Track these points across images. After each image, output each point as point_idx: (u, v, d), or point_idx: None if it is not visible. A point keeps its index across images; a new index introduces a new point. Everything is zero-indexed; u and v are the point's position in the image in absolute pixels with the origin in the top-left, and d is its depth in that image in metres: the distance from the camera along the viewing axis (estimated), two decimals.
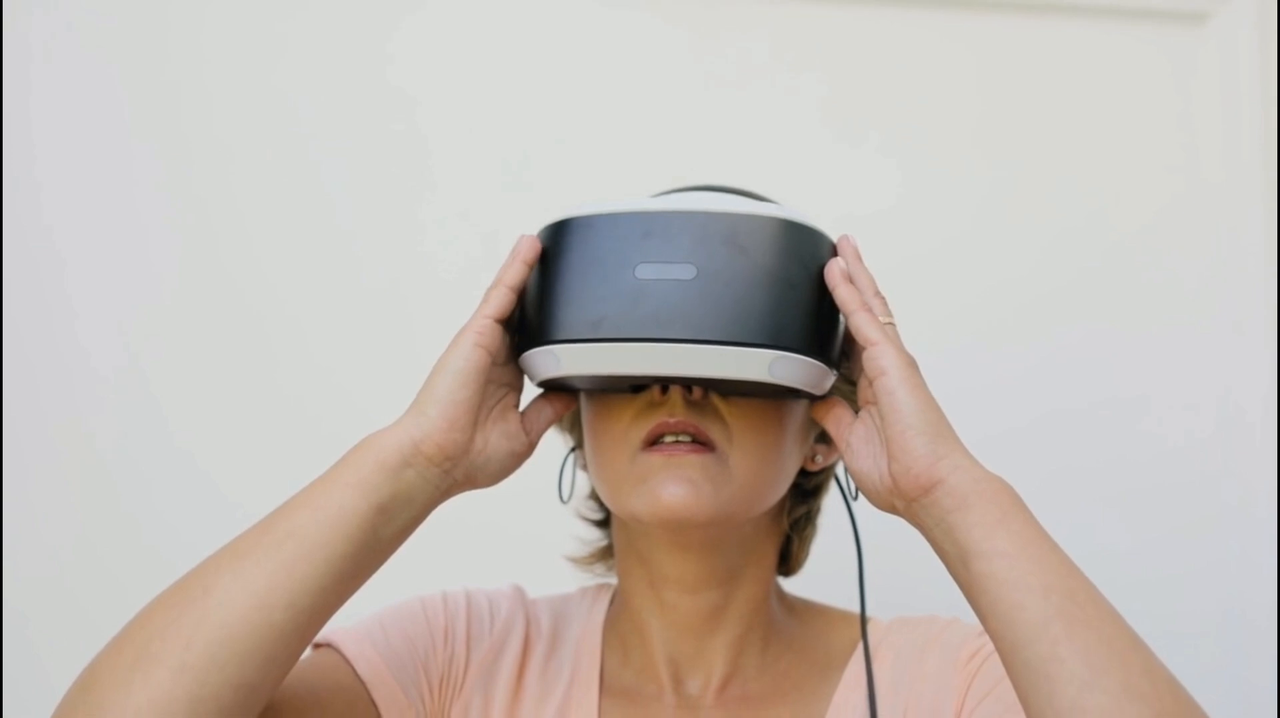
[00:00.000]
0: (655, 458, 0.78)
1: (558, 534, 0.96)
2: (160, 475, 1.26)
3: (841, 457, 0.77)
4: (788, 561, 0.92)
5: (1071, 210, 1.39)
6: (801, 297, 0.74)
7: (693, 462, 0.78)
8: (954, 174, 1.38)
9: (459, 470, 0.75)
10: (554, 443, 0.94)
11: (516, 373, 0.80)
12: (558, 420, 0.84)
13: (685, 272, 0.73)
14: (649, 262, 0.74)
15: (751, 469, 0.80)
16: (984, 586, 0.66)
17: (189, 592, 0.68)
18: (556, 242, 0.77)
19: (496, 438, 0.77)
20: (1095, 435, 1.35)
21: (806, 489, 0.91)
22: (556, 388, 0.83)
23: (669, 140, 1.35)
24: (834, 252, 0.78)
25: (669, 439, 0.78)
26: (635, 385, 0.80)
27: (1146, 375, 1.38)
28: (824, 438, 0.88)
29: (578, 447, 0.92)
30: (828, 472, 0.92)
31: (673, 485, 0.77)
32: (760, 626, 0.88)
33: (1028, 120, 1.40)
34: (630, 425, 0.80)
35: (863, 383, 0.76)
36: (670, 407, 0.79)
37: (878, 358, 0.72)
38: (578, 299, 0.75)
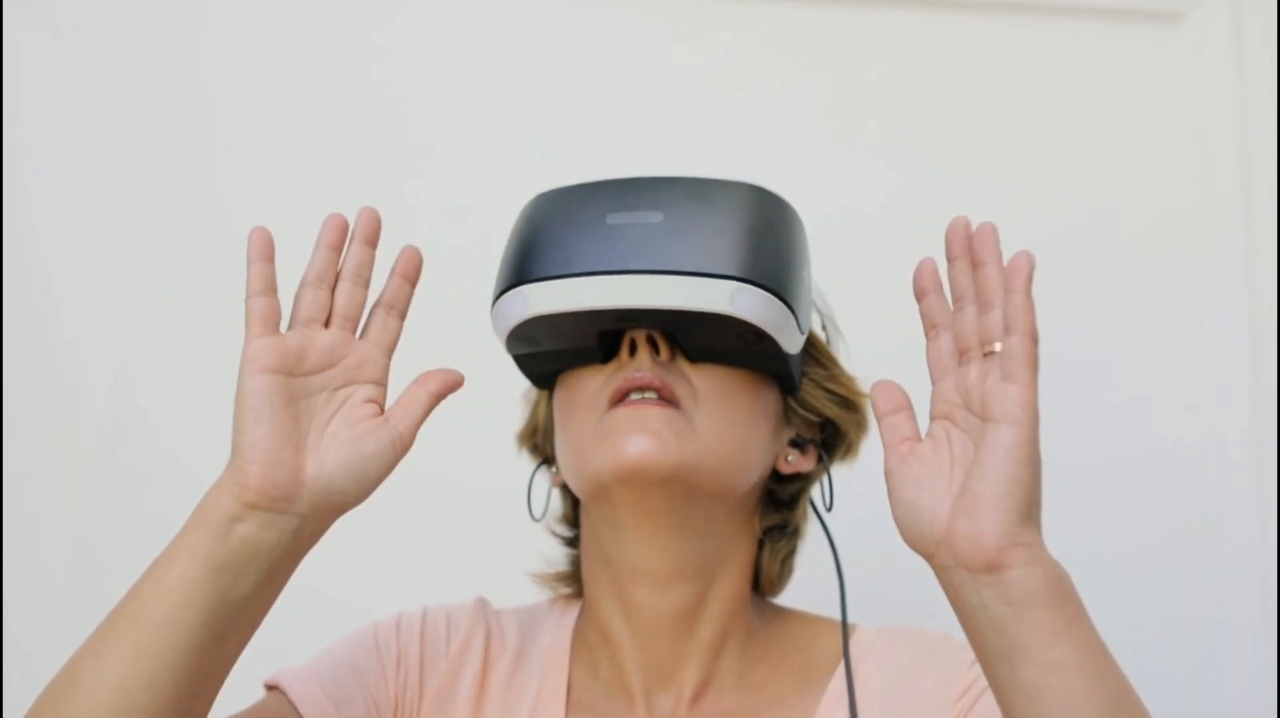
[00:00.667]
0: (620, 412, 0.77)
1: (537, 545, 0.94)
2: (160, 476, 1.25)
3: (885, 473, 0.68)
4: (760, 574, 0.88)
5: (1070, 210, 1.39)
6: (764, 242, 0.76)
7: (657, 414, 0.77)
8: (951, 173, 1.38)
9: (301, 505, 0.67)
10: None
11: (358, 369, 0.73)
12: (439, 400, 0.74)
13: (653, 217, 0.76)
14: (619, 210, 0.77)
15: (717, 431, 0.78)
16: (1031, 697, 0.61)
17: (61, 683, 0.65)
18: (533, 210, 0.80)
19: (335, 451, 0.69)
20: (1094, 435, 1.35)
21: (780, 498, 0.88)
22: (527, 362, 0.83)
23: (667, 140, 1.35)
24: (799, 226, 0.80)
25: (635, 396, 0.78)
26: (605, 352, 0.80)
27: (1146, 375, 1.38)
28: (797, 443, 0.86)
29: (546, 462, 0.91)
30: (802, 483, 0.89)
31: (635, 436, 0.76)
32: (738, 630, 0.84)
33: (1027, 120, 1.40)
34: (598, 392, 0.80)
35: (943, 389, 0.68)
36: (637, 364, 0.79)
37: (1016, 403, 0.62)
38: (548, 245, 0.77)
